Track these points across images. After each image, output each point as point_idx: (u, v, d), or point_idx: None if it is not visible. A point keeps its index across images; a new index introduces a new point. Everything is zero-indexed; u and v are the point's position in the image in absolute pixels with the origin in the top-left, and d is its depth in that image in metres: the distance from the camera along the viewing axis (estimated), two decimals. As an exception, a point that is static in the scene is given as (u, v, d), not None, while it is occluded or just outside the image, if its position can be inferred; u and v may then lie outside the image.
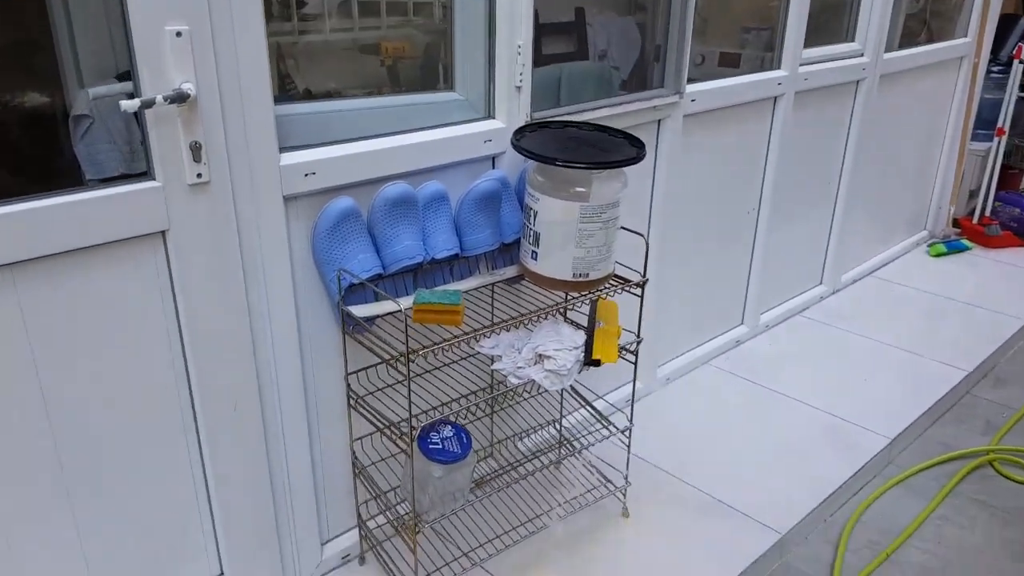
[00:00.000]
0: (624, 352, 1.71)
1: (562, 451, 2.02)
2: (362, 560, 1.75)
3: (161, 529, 1.43)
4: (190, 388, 1.39)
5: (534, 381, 1.59)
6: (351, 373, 1.60)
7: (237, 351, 1.41)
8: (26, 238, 1.14)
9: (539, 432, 2.04)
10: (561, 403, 2.03)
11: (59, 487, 1.29)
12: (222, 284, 1.36)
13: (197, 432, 1.43)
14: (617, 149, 1.61)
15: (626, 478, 1.91)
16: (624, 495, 1.93)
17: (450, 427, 1.53)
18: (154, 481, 1.40)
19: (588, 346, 1.65)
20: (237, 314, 1.39)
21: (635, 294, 1.76)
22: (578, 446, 1.97)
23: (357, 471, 1.67)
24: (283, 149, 1.39)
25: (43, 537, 1.29)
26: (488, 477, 1.86)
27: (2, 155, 1.21)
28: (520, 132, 1.66)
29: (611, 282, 1.69)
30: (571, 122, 1.76)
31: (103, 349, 1.28)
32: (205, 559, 1.51)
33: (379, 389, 1.63)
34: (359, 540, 1.74)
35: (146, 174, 1.25)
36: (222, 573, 1.54)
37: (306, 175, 1.41)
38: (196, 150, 1.25)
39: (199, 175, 1.27)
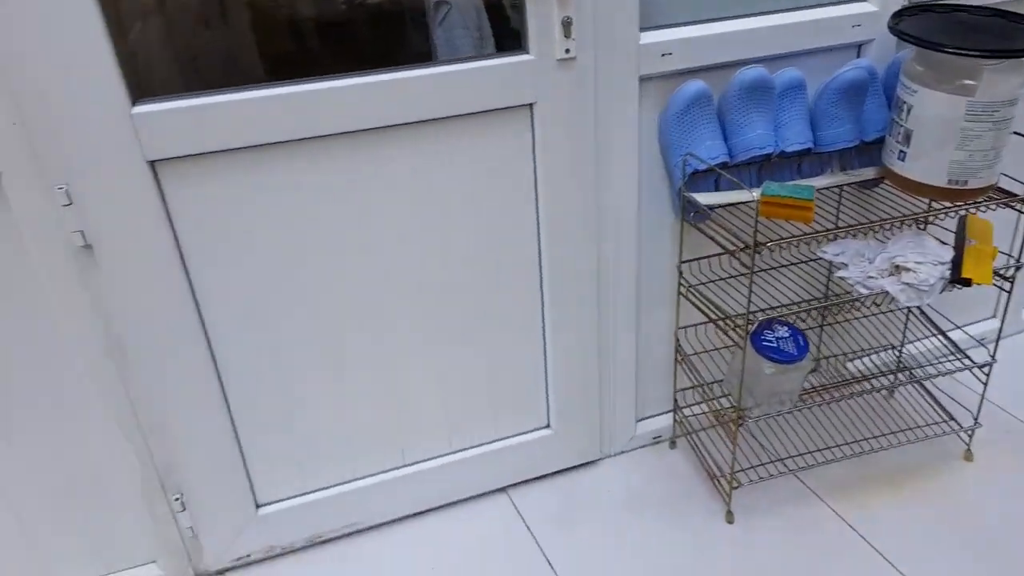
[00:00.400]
0: (998, 277, 1.50)
1: (898, 378, 1.85)
2: (672, 444, 1.81)
3: (506, 381, 1.62)
4: (539, 252, 1.52)
5: (886, 294, 1.47)
6: (684, 262, 1.62)
7: (584, 226, 1.50)
8: (428, 101, 1.31)
9: (873, 355, 1.89)
10: (905, 327, 1.85)
11: (420, 334, 1.51)
12: (577, 161, 1.44)
13: (542, 293, 1.57)
14: (1019, 37, 1.37)
15: (976, 419, 1.71)
16: (970, 436, 1.73)
17: (786, 328, 1.49)
18: (506, 336, 1.57)
19: (956, 263, 1.47)
20: (587, 191, 1.47)
21: (1020, 211, 1.52)
22: (920, 375, 1.79)
23: (680, 358, 1.71)
24: (643, 28, 1.41)
25: (412, 375, 1.54)
26: (812, 390, 1.79)
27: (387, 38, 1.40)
28: (898, 15, 1.48)
29: (992, 194, 1.48)
30: (960, 5, 1.53)
31: (480, 206, 1.44)
32: (536, 413, 1.68)
33: (711, 281, 1.63)
34: (672, 424, 1.79)
35: (520, 48, 1.35)
36: (548, 426, 1.70)
37: (662, 55, 1.42)
38: (567, 25, 1.32)
39: (567, 51, 1.34)
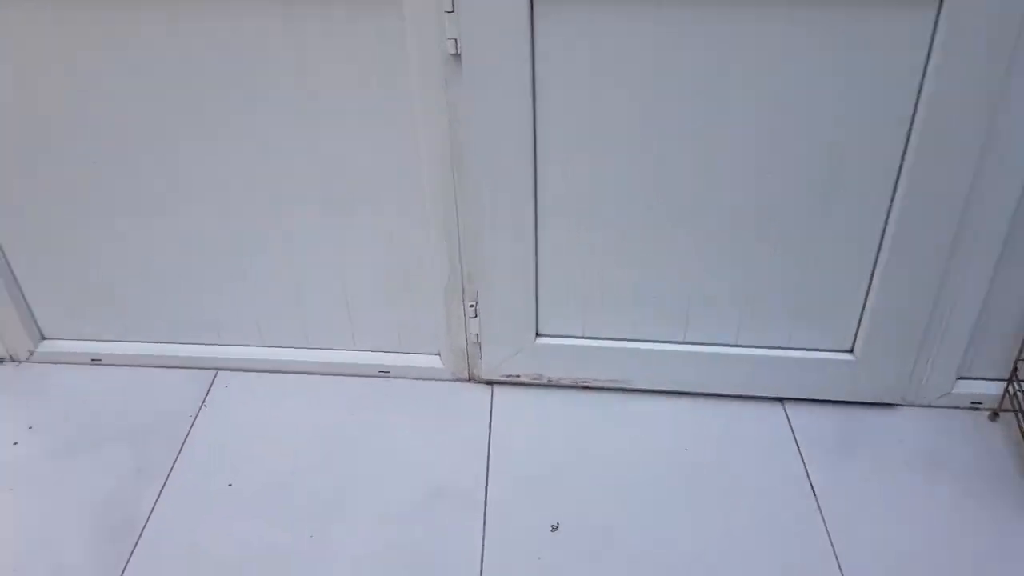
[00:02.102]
0: None
1: None
2: (994, 416, 1.55)
3: (817, 287, 1.46)
4: (903, 157, 1.30)
5: None
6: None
7: (968, 140, 1.25)
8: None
9: None
10: None
11: (733, 210, 1.39)
12: (988, 56, 1.17)
13: (890, 207, 1.35)
14: None
15: None
16: None
17: None
18: (833, 236, 1.40)
19: None
20: (990, 96, 1.20)
21: None
22: None
23: (1044, 324, 1.43)
24: None
25: (711, 256, 1.44)
26: None
27: None
28: None
29: None
30: None
31: (847, 88, 1.25)
32: (841, 334, 1.51)
33: None
34: (1001, 395, 1.53)
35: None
36: (851, 351, 1.53)
37: None
38: None
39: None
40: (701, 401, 1.61)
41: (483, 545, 1.36)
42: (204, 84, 1.35)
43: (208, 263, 1.57)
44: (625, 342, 1.58)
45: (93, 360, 1.70)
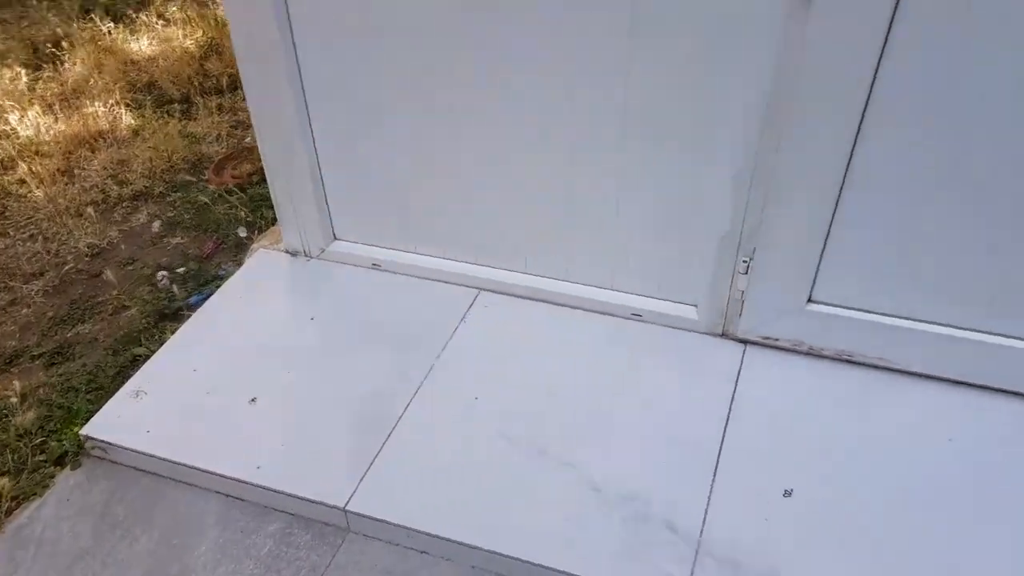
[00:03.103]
0: None
1: None
2: None
3: None
4: None
5: None
6: None
7: None
8: None
9: None
10: None
11: None
12: None
13: None
14: None
15: None
16: None
17: None
18: None
19: None
20: None
21: None
22: None
23: None
24: None
25: None
26: None
27: None
28: None
29: None
30: None
31: None
32: None
33: None
34: None
35: None
36: None
37: None
38: None
39: None
40: (988, 396, 1.47)
41: (709, 498, 1.35)
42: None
43: (494, 189, 1.64)
44: (908, 321, 1.46)
45: (374, 264, 1.85)
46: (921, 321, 1.45)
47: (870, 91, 1.23)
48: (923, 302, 1.43)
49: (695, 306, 1.62)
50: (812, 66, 1.23)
